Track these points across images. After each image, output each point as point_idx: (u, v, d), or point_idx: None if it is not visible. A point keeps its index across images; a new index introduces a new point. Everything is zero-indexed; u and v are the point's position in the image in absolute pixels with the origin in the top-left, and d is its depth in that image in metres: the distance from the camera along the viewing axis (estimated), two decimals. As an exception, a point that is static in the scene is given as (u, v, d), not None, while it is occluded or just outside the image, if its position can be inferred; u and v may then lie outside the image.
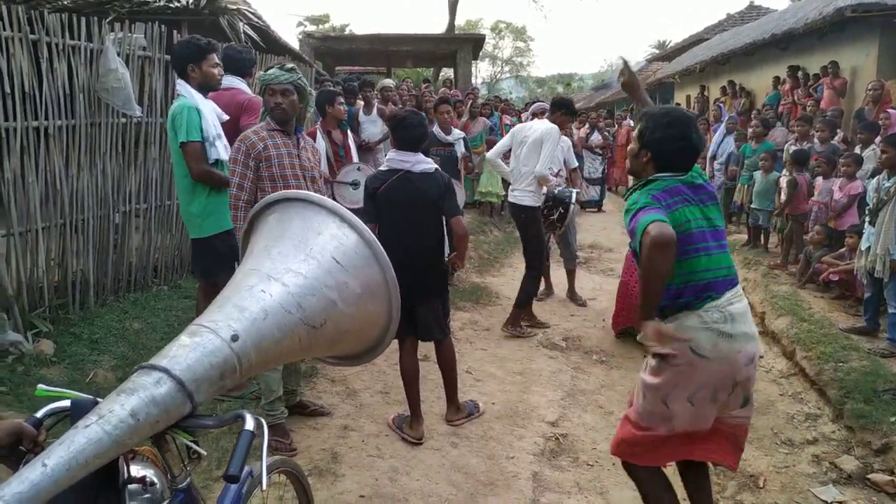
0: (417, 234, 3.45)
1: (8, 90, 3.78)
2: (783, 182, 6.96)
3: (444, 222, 3.58)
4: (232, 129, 3.72)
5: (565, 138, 5.92)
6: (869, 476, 3.37)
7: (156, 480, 1.41)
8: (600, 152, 12.60)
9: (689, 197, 2.34)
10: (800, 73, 11.17)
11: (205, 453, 1.43)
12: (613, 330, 5.39)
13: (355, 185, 5.29)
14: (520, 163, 5.22)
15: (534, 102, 6.05)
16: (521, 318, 5.39)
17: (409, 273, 3.41)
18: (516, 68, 51.52)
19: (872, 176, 5.48)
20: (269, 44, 8.34)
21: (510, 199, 5.36)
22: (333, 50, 17.61)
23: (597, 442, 3.72)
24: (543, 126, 5.15)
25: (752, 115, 10.34)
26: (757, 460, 3.64)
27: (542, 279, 6.38)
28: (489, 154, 5.31)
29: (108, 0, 6.60)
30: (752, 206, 7.65)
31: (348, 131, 5.89)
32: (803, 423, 4.04)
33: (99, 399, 1.37)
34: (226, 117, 3.76)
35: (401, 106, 8.77)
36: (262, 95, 3.23)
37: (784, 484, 3.42)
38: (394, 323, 1.77)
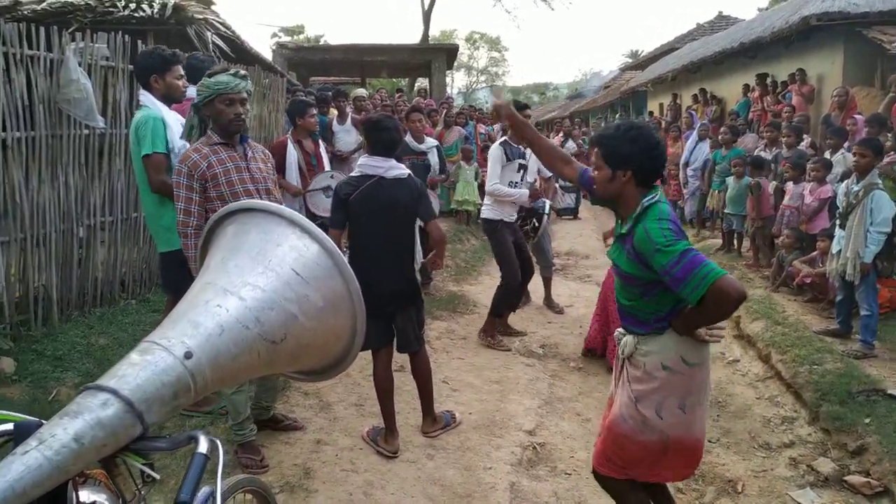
0: (391, 240, 3.39)
1: (-37, 101, 3.66)
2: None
3: (419, 228, 3.53)
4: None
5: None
6: (846, 478, 3.37)
7: None
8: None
9: None
10: (768, 81, 11.36)
11: (158, 477, 1.36)
12: (584, 347, 5.21)
13: (328, 192, 5.21)
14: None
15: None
16: (498, 328, 5.34)
17: (384, 281, 3.37)
18: (492, 78, 51.88)
19: (841, 180, 5.56)
20: (239, 53, 8.25)
21: None
22: (307, 60, 17.53)
23: (574, 450, 3.68)
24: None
25: (725, 123, 10.49)
26: (735, 465, 3.63)
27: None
28: (493, 188, 5.13)
29: (70, 10, 6.46)
30: (726, 211, 7.73)
31: (320, 141, 5.82)
32: (780, 427, 4.04)
33: (45, 421, 1.29)
34: (191, 128, 3.68)
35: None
36: (203, 105, 2.92)
37: (762, 488, 3.40)
38: (359, 336, 1.70)
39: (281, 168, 4.93)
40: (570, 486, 3.31)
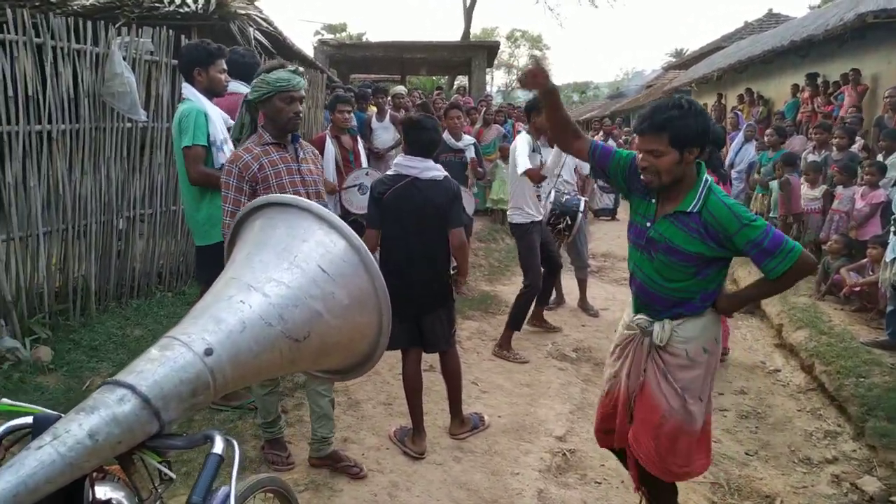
0: (423, 242, 3.35)
1: (11, 94, 3.75)
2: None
3: None
4: (233, 134, 3.66)
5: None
6: (892, 498, 3.21)
7: (124, 502, 1.31)
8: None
9: None
10: (819, 81, 10.97)
11: (174, 476, 1.34)
12: None
13: (363, 189, 5.21)
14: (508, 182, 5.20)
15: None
16: (532, 322, 5.25)
17: (415, 282, 3.34)
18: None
19: (895, 185, 5.31)
20: (281, 50, 8.33)
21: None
22: (348, 57, 17.65)
23: (605, 458, 3.58)
24: (513, 143, 5.10)
25: (771, 124, 10.18)
26: (773, 480, 3.49)
27: (553, 288, 6.26)
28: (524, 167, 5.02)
29: (117, 5, 6.61)
30: (771, 215, 7.48)
31: (358, 137, 5.83)
32: (822, 441, 3.88)
33: (63, 415, 1.29)
34: (232, 122, 3.70)
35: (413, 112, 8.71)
36: (259, 102, 2.80)
37: (802, 506, 3.27)
38: (384, 335, 1.66)
39: (318, 163, 4.95)
40: (599, 496, 3.22)
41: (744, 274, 7.41)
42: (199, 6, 6.99)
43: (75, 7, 6.48)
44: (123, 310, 4.56)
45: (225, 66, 3.66)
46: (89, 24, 4.21)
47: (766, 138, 8.24)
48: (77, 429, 1.15)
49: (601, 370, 4.87)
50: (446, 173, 3.43)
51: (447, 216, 3.35)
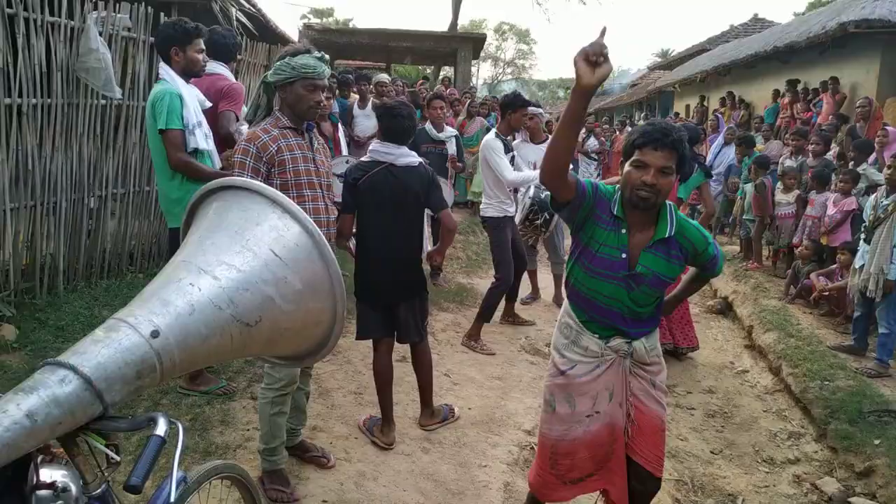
0: (399, 229, 3.33)
1: (-20, 65, 3.65)
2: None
3: (428, 217, 3.46)
4: (211, 117, 3.60)
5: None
6: (850, 500, 3.28)
7: (70, 485, 1.29)
8: (596, 157, 12.54)
9: None
10: (800, 87, 11.11)
11: (118, 458, 1.32)
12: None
13: (342, 178, 5.16)
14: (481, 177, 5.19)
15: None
16: (507, 318, 5.28)
17: (390, 270, 3.32)
18: (518, 70, 51.49)
19: (865, 194, 5.41)
20: (263, 32, 8.21)
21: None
22: (333, 43, 17.45)
23: (573, 453, 3.61)
24: (483, 143, 5.01)
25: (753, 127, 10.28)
26: (736, 478, 3.55)
27: (530, 283, 6.28)
28: (514, 177, 4.88)
29: (97, -21, 6.44)
30: (744, 217, 7.58)
31: (339, 124, 5.77)
32: (786, 442, 3.95)
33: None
34: (209, 104, 3.64)
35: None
36: (280, 87, 2.67)
37: (763, 504, 3.32)
38: (339, 322, 1.65)
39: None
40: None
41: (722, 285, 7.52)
42: (181, -16, 6.86)
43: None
44: (93, 290, 4.48)
45: (203, 47, 3.59)
46: (65, -4, 4.10)
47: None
48: (15, 409, 1.13)
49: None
50: (421, 160, 3.41)
51: (429, 201, 3.36)
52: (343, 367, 4.18)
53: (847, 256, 5.35)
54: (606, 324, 2.34)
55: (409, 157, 3.33)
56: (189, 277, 1.40)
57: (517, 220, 5.32)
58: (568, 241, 7.15)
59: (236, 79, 4.37)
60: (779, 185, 7.03)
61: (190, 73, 3.52)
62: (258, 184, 1.63)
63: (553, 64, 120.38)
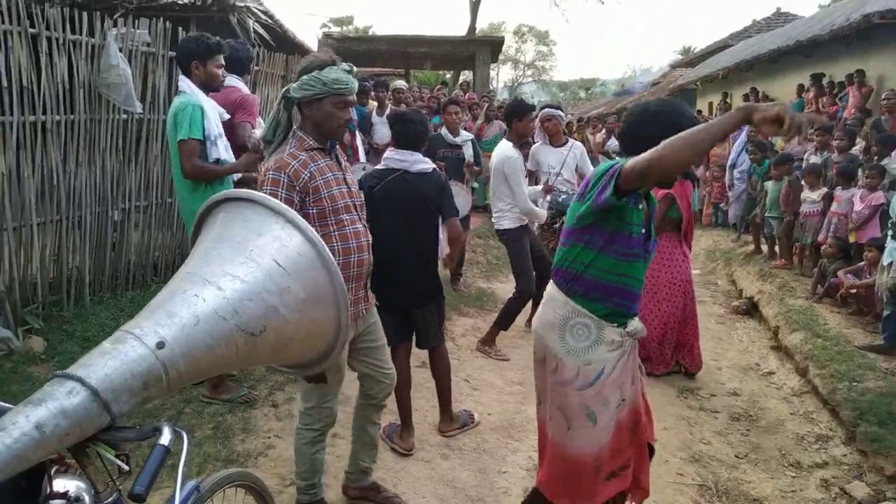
0: (414, 236, 3.34)
1: (5, 84, 3.75)
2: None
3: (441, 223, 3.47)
4: (226, 129, 3.65)
5: (578, 144, 5.76)
6: (880, 505, 3.20)
7: (83, 495, 1.32)
8: (617, 158, 12.44)
9: None
10: (825, 81, 10.90)
11: (127, 468, 1.35)
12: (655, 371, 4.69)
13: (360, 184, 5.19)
14: (491, 190, 5.02)
15: (544, 107, 5.83)
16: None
17: (405, 277, 3.33)
18: (538, 72, 51.31)
19: (892, 188, 5.29)
20: (281, 42, 8.31)
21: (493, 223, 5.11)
22: (352, 51, 17.59)
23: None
24: (498, 154, 4.80)
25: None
26: (762, 483, 3.48)
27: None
28: (527, 208, 4.73)
29: (115, -4, 6.60)
30: (767, 214, 7.45)
31: (356, 132, 5.81)
32: (813, 445, 3.86)
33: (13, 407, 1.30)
34: (227, 116, 3.68)
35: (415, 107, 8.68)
36: (305, 103, 2.46)
37: (789, 510, 3.26)
38: (343, 330, 1.67)
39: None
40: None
41: (748, 285, 7.42)
42: (198, -2, 6.98)
43: (74, -2, 6.47)
44: (118, 301, 4.57)
45: (223, 62, 3.62)
46: (85, 14, 4.20)
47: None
48: (24, 420, 1.17)
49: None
50: (434, 166, 3.42)
51: (440, 207, 3.36)
52: (363, 373, 4.19)
53: (875, 253, 5.22)
54: (626, 308, 2.28)
55: (422, 163, 3.34)
56: (194, 289, 1.43)
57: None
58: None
59: (254, 90, 4.43)
60: (803, 182, 6.91)
61: (209, 87, 3.57)
62: (260, 195, 1.66)
63: (573, 65, 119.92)
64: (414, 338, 3.53)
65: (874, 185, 5.77)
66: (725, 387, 4.67)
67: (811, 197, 6.70)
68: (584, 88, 52.10)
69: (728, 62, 16.07)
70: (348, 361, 2.73)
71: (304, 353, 1.72)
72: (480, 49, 17.30)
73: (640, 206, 2.26)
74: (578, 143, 5.81)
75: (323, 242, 1.60)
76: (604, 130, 12.63)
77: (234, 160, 3.59)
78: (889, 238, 4.73)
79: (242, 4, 6.97)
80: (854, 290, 5.55)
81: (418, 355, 3.62)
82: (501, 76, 49.67)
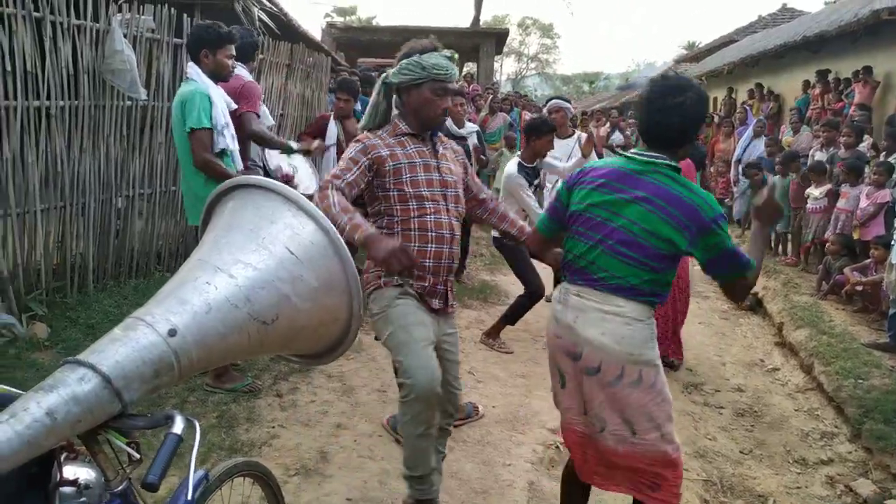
0: None
1: (9, 69, 3.72)
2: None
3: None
4: (231, 118, 3.62)
5: (584, 136, 5.73)
6: (886, 502, 3.19)
7: (92, 483, 1.31)
8: (621, 153, 12.40)
9: None
10: (830, 77, 10.84)
11: (137, 456, 1.33)
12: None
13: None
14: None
15: (552, 99, 5.80)
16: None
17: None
18: (542, 65, 51.21)
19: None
20: (286, 31, 8.26)
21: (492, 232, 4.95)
22: (356, 41, 17.56)
23: (599, 452, 3.57)
24: (505, 173, 4.70)
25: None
26: (767, 479, 3.47)
27: (554, 283, 6.20)
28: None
29: (120, -19, 6.54)
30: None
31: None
32: (818, 442, 3.85)
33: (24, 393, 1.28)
34: (234, 105, 3.64)
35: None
36: (404, 89, 2.39)
37: (794, 506, 3.25)
38: (356, 319, 1.64)
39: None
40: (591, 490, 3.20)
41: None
42: (204, -15, 6.91)
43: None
44: (122, 288, 4.55)
45: (234, 52, 3.55)
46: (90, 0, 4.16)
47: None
48: (35, 407, 1.15)
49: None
50: None
51: None
52: (367, 364, 4.18)
53: (881, 251, 5.21)
54: None
55: None
56: (205, 276, 1.41)
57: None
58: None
59: (258, 78, 4.39)
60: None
61: (217, 76, 3.51)
62: (271, 181, 1.64)
63: (577, 58, 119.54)
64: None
65: (881, 182, 5.74)
66: (730, 382, 4.66)
67: (815, 193, 6.67)
68: (587, 82, 51.94)
69: (733, 57, 16.00)
70: None
71: (316, 342, 1.70)
72: (485, 41, 17.24)
73: None
74: (584, 135, 5.78)
75: (336, 230, 1.57)
76: (608, 124, 12.56)
77: (238, 149, 3.56)
78: (895, 235, 4.70)
79: (248, -8, 6.92)
80: (860, 288, 5.53)
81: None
82: (505, 69, 49.57)
